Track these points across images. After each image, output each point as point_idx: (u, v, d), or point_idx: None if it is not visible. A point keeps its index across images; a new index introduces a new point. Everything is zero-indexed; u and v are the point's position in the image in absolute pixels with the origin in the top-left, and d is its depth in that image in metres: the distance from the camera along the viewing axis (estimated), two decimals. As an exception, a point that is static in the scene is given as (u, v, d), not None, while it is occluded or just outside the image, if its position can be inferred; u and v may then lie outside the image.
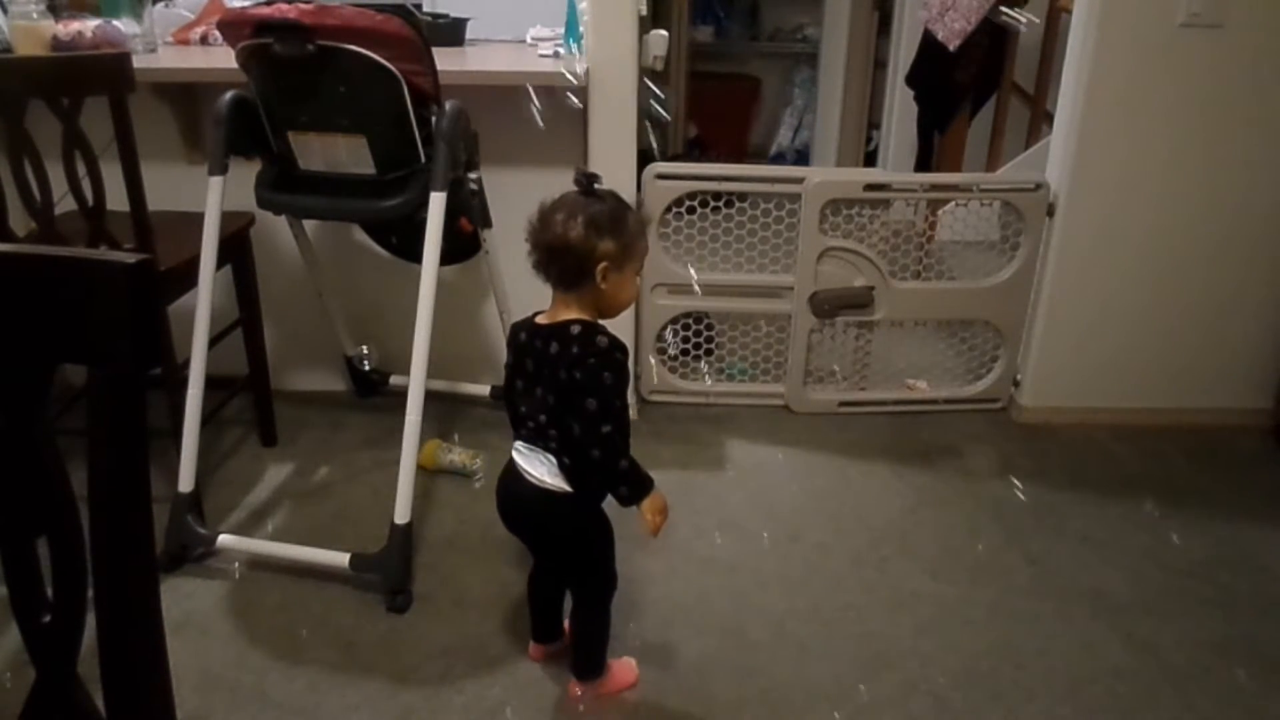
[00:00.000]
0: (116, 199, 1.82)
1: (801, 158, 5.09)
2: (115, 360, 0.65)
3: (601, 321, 1.42)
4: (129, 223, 1.85)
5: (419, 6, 2.64)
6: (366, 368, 2.54)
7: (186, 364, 1.93)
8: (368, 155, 1.83)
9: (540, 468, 1.44)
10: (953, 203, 2.61)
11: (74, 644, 0.75)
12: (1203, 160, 2.36)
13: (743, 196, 2.55)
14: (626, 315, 1.96)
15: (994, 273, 2.55)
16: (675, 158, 4.47)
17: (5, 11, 2.16)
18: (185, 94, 2.34)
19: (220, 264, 1.97)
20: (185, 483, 1.92)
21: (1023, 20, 2.16)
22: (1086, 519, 2.16)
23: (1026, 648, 1.76)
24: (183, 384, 1.92)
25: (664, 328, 2.58)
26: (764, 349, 2.63)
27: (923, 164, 3.38)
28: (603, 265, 1.37)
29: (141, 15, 2.28)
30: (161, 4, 2.49)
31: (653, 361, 2.57)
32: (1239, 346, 2.54)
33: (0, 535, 0.73)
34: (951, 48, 3.04)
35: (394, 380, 2.56)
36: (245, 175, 1.94)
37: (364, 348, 2.53)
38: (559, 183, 1.43)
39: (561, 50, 2.37)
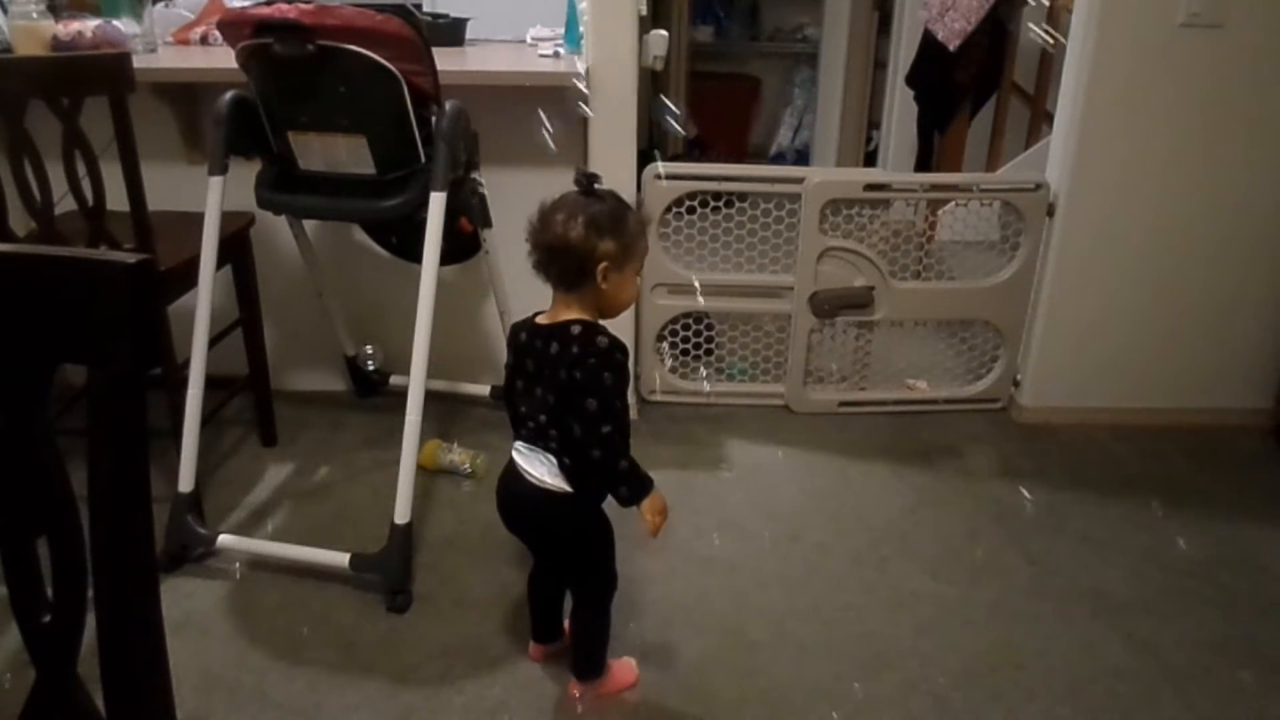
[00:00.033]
0: (116, 199, 1.82)
1: (801, 158, 5.09)
2: (115, 360, 0.65)
3: (602, 321, 1.42)
4: (129, 223, 1.85)
5: (419, 6, 2.64)
6: (371, 367, 2.55)
7: (186, 364, 1.93)
8: (368, 155, 1.83)
9: (540, 468, 1.44)
10: (953, 203, 2.61)
11: (74, 644, 0.75)
12: (1203, 160, 2.36)
13: (743, 196, 2.55)
14: (626, 315, 1.96)
15: (994, 273, 2.55)
16: (675, 158, 4.47)
17: (5, 11, 2.16)
18: (185, 94, 2.34)
19: (220, 264, 1.97)
20: (185, 483, 1.92)
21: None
22: (1086, 519, 2.16)
23: (1026, 648, 1.76)
24: (183, 384, 1.91)
25: (664, 328, 2.58)
26: (764, 349, 2.63)
27: (923, 164, 3.38)
28: (603, 265, 1.37)
29: (141, 15, 2.28)
30: (161, 4, 2.50)
31: (659, 361, 2.57)
32: (1239, 346, 2.54)
33: (0, 535, 0.73)
34: (951, 48, 3.04)
35: (394, 380, 2.56)
36: (245, 175, 1.94)
37: (368, 347, 2.53)
38: (559, 183, 1.43)
39: (562, 50, 2.37)
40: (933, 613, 1.85)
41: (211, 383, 1.94)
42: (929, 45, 3.22)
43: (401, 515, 1.83)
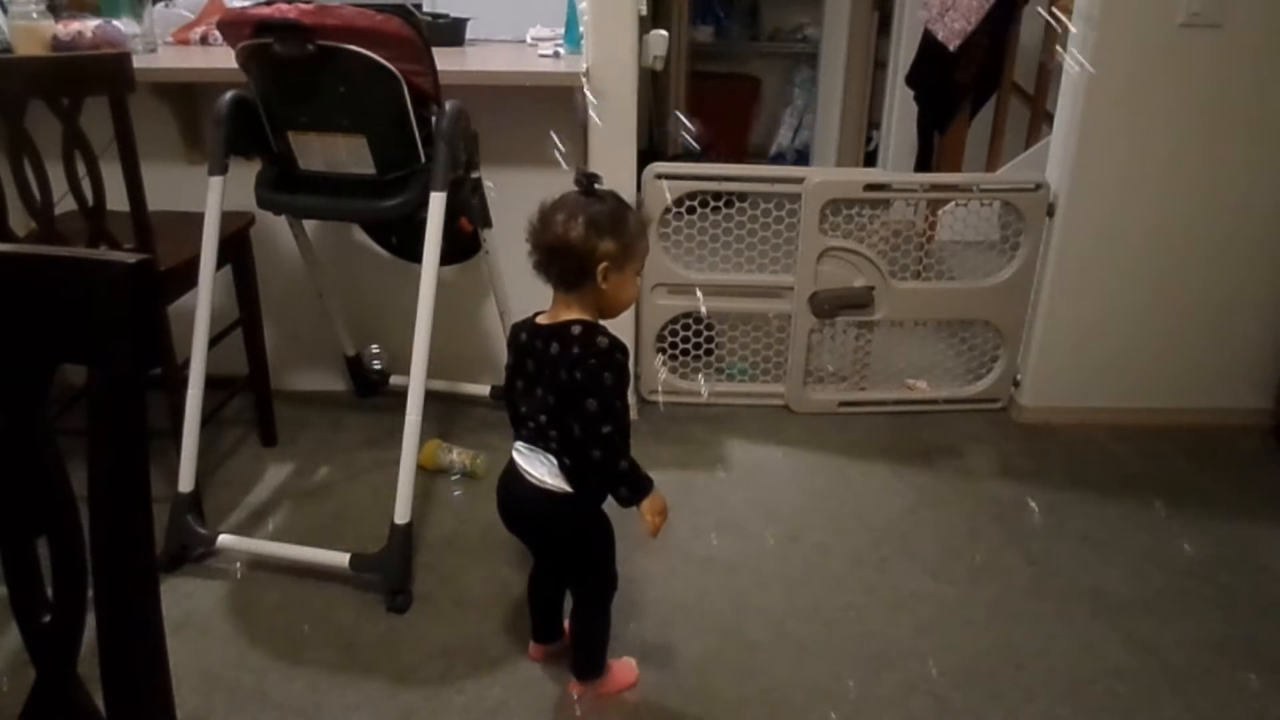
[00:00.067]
0: (116, 199, 1.82)
1: (801, 158, 5.09)
2: (115, 360, 0.65)
3: (602, 322, 1.42)
4: (129, 223, 1.85)
5: (419, 6, 2.64)
6: (378, 366, 2.55)
7: (186, 364, 1.93)
8: (368, 155, 1.83)
9: (541, 468, 1.44)
10: (953, 203, 2.61)
11: (74, 644, 0.75)
12: (1203, 160, 2.36)
13: (743, 196, 2.55)
14: (626, 315, 1.96)
15: (994, 273, 2.55)
16: (675, 158, 4.47)
17: (5, 11, 2.16)
18: (185, 94, 2.34)
19: (220, 264, 1.97)
20: (185, 483, 1.92)
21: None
22: (1086, 519, 2.16)
23: (1026, 648, 1.76)
24: (183, 384, 1.91)
25: (664, 328, 2.58)
26: (764, 349, 2.63)
27: (923, 164, 3.38)
28: (603, 265, 1.36)
29: (141, 15, 2.29)
30: (161, 4, 2.50)
31: (659, 363, 2.57)
32: (1239, 346, 2.54)
33: (0, 535, 0.73)
34: (951, 48, 3.04)
35: (394, 380, 2.56)
36: (245, 175, 1.94)
37: (374, 347, 2.53)
38: (559, 183, 1.43)
39: (561, 50, 2.37)
40: (933, 613, 1.85)
41: (211, 383, 1.94)
42: (929, 45, 3.22)
43: (401, 515, 1.83)
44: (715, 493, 2.24)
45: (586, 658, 1.61)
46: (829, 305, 2.51)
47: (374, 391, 2.59)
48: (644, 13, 2.24)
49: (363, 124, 1.80)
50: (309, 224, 2.33)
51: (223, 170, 1.88)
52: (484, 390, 2.50)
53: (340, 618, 1.80)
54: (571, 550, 1.55)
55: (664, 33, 2.32)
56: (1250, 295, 2.49)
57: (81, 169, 1.76)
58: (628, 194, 2.26)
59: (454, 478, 2.24)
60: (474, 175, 2.02)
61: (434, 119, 1.84)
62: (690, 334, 2.62)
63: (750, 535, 2.07)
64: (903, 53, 3.65)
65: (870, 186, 2.46)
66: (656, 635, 1.76)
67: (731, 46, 5.21)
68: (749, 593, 1.89)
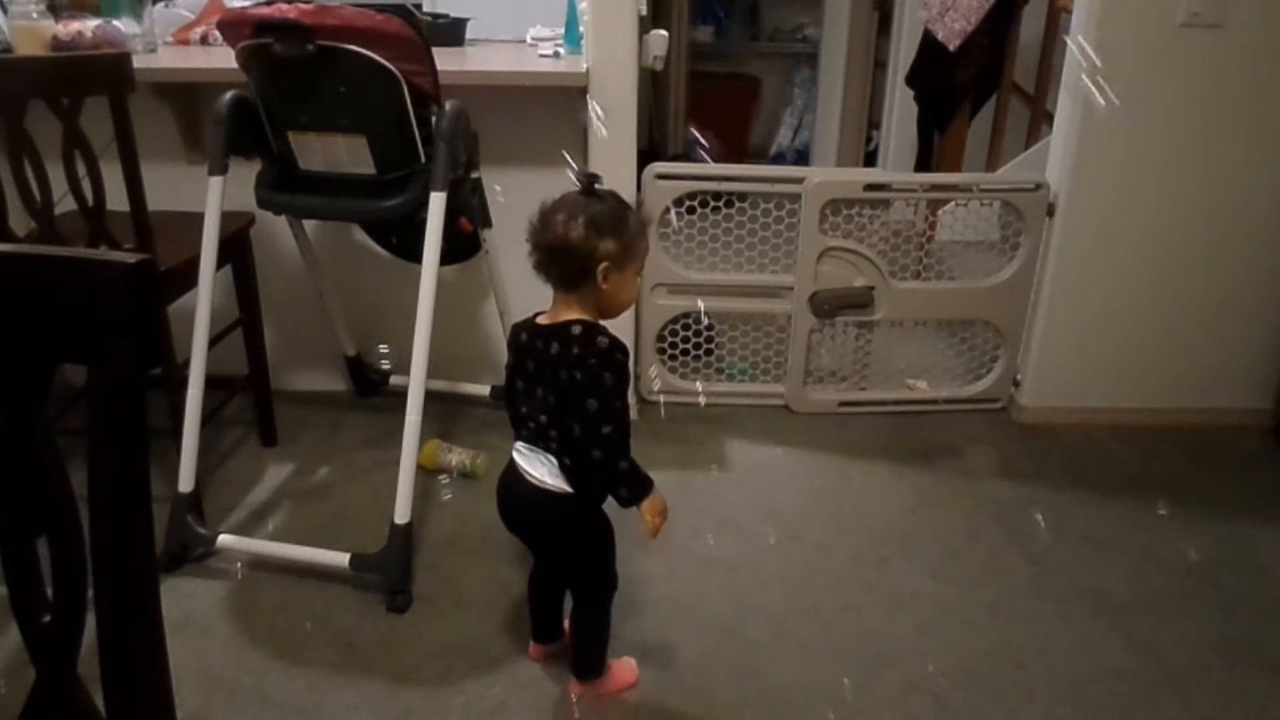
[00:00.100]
0: (116, 199, 1.82)
1: (801, 158, 5.09)
2: (115, 360, 0.65)
3: (602, 322, 1.42)
4: (129, 223, 1.85)
5: (419, 6, 2.64)
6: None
7: (186, 364, 1.93)
8: (368, 155, 1.83)
9: (541, 468, 1.44)
10: (953, 203, 2.61)
11: (74, 644, 0.75)
12: (1203, 160, 2.36)
13: (743, 196, 2.55)
14: (626, 315, 1.96)
15: (994, 273, 2.55)
16: (675, 158, 4.47)
17: (5, 11, 2.16)
18: (185, 94, 2.34)
19: (220, 264, 1.97)
20: (185, 483, 1.92)
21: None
22: (1086, 519, 2.16)
23: (1026, 648, 1.76)
24: (183, 384, 1.91)
25: (664, 328, 2.58)
26: (764, 349, 2.63)
27: (923, 164, 3.38)
28: (604, 265, 1.36)
29: (141, 15, 2.28)
30: (161, 4, 2.50)
31: (655, 364, 2.57)
32: (1239, 346, 2.54)
33: (0, 535, 0.73)
34: (951, 48, 3.04)
35: (394, 380, 2.56)
36: (245, 175, 1.94)
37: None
38: (559, 183, 1.42)
39: (561, 50, 2.37)
40: (933, 613, 1.85)
41: (211, 383, 1.94)
42: (929, 45, 3.22)
43: (401, 515, 1.83)
44: (715, 493, 2.24)
45: (586, 658, 1.61)
46: (829, 305, 2.51)
47: (374, 391, 2.59)
48: (644, 13, 2.24)
49: (363, 124, 1.80)
50: (309, 224, 2.33)
51: (223, 170, 1.88)
52: (484, 390, 2.50)
53: (340, 618, 1.80)
54: (571, 550, 1.55)
55: (664, 33, 2.32)
56: (1250, 295, 2.49)
57: (81, 169, 1.76)
58: (628, 194, 2.26)
59: (444, 481, 2.23)
60: (474, 175, 2.02)
61: (434, 119, 1.84)
62: (690, 334, 2.62)
63: (750, 535, 2.07)
64: (903, 53, 3.65)
65: (870, 186, 2.46)
66: (656, 635, 1.76)
67: (731, 46, 5.21)
68: (749, 593, 1.89)
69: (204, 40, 2.47)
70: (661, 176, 2.42)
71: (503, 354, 1.51)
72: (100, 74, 1.75)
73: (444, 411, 2.50)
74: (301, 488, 2.23)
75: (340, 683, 1.64)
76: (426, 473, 2.23)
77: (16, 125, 1.70)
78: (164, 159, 2.27)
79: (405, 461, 1.82)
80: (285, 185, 1.93)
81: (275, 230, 2.33)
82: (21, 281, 0.67)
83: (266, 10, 1.72)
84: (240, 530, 2.02)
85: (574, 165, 1.35)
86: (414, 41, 1.76)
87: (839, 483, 2.31)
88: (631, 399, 2.21)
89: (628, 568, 1.65)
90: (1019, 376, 2.62)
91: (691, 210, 2.47)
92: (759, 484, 2.29)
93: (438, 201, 1.82)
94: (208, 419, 2.01)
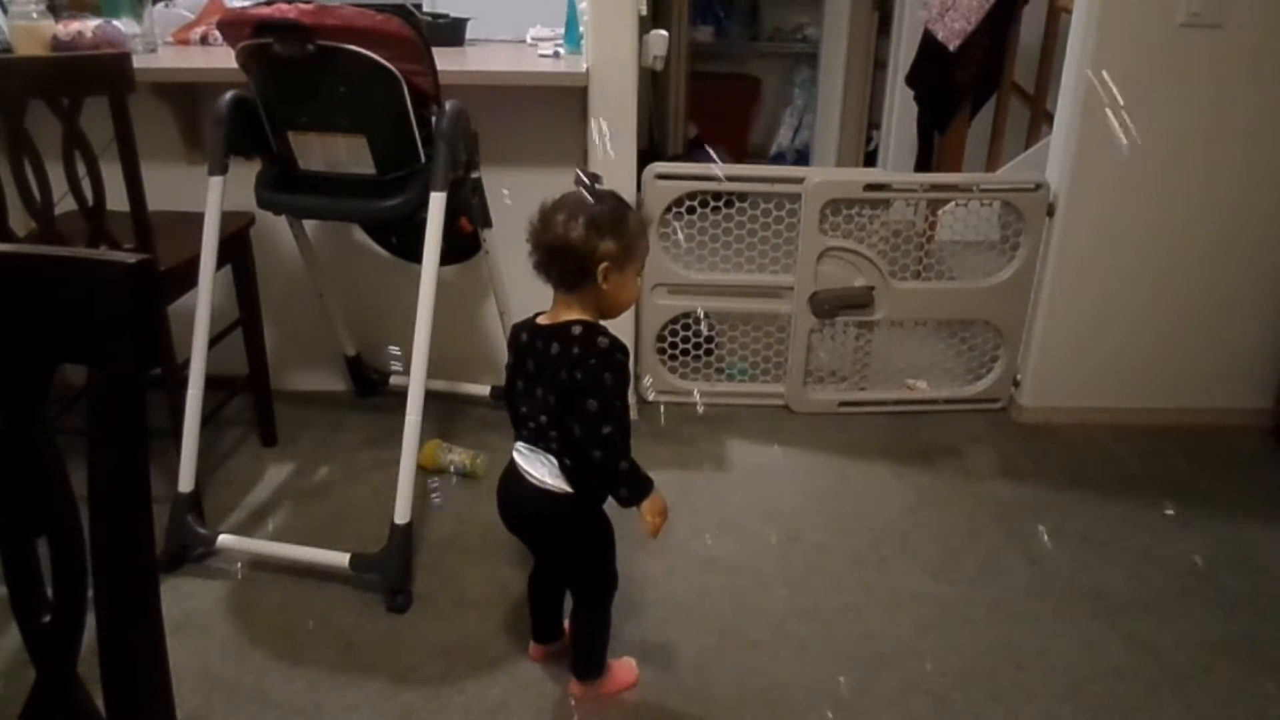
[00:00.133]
0: (116, 199, 1.82)
1: (801, 158, 5.09)
2: (115, 360, 0.65)
3: (602, 322, 1.42)
4: (129, 223, 1.85)
5: (419, 6, 2.64)
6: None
7: (186, 364, 1.93)
8: (368, 155, 1.83)
9: (541, 468, 1.44)
10: (953, 203, 2.61)
11: (74, 644, 0.75)
12: (1203, 160, 2.36)
13: (743, 196, 2.55)
14: (627, 315, 1.95)
15: (994, 273, 2.55)
16: (675, 158, 4.47)
17: (5, 11, 2.16)
18: (185, 94, 2.34)
19: (220, 264, 1.97)
20: (185, 483, 1.92)
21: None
22: (1086, 519, 2.16)
23: (1026, 648, 1.76)
24: (183, 384, 1.91)
25: (664, 328, 2.58)
26: (764, 349, 2.63)
27: (923, 164, 3.38)
28: (604, 266, 1.36)
29: (141, 15, 2.28)
30: (161, 4, 2.49)
31: (650, 370, 2.57)
32: (1239, 346, 2.54)
33: (0, 535, 0.73)
34: (951, 48, 3.04)
35: (394, 380, 2.56)
36: (245, 175, 1.94)
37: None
38: (559, 183, 1.43)
39: (561, 50, 2.37)
40: (933, 613, 1.85)
41: (211, 383, 1.94)
42: (929, 45, 3.22)
43: (401, 515, 1.83)
44: (715, 493, 2.24)
45: (586, 658, 1.61)
46: (829, 305, 2.51)
47: (374, 391, 2.59)
48: (644, 13, 2.24)
49: (363, 124, 1.80)
50: (309, 224, 2.33)
51: (223, 170, 1.88)
52: (484, 390, 2.50)
53: (340, 618, 1.80)
54: (572, 550, 1.55)
55: (664, 33, 2.32)
56: (1250, 295, 2.49)
57: (81, 169, 1.76)
58: (628, 194, 2.26)
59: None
60: (474, 175, 2.02)
61: (434, 119, 1.84)
62: (690, 334, 2.62)
63: (750, 535, 2.07)
64: (903, 53, 3.65)
65: (870, 186, 2.46)
66: (656, 635, 1.76)
67: (731, 46, 5.21)
68: (749, 593, 1.89)
69: (204, 40, 2.47)
70: (661, 176, 2.42)
71: (503, 354, 1.51)
72: (100, 74, 1.75)
73: (444, 411, 2.50)
74: (301, 488, 2.23)
75: (340, 683, 1.64)
76: (427, 473, 2.23)
77: (16, 125, 1.70)
78: (164, 159, 2.27)
79: (405, 461, 1.82)
80: (285, 185, 1.93)
81: (275, 230, 2.33)
82: (21, 281, 0.67)
83: (266, 10, 1.72)
84: (240, 530, 2.02)
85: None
86: (414, 41, 1.76)
87: (839, 483, 2.31)
88: (631, 399, 2.21)
89: (628, 568, 1.65)
90: (1019, 376, 2.62)
91: (692, 210, 2.47)
92: (759, 484, 2.29)
93: (438, 201, 1.82)
94: (208, 419, 2.01)
